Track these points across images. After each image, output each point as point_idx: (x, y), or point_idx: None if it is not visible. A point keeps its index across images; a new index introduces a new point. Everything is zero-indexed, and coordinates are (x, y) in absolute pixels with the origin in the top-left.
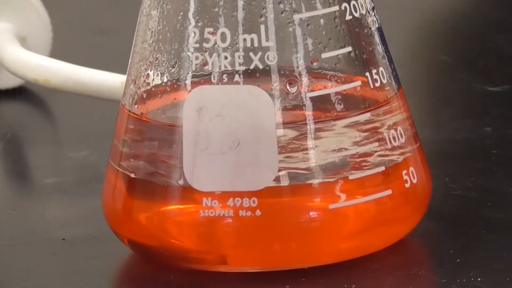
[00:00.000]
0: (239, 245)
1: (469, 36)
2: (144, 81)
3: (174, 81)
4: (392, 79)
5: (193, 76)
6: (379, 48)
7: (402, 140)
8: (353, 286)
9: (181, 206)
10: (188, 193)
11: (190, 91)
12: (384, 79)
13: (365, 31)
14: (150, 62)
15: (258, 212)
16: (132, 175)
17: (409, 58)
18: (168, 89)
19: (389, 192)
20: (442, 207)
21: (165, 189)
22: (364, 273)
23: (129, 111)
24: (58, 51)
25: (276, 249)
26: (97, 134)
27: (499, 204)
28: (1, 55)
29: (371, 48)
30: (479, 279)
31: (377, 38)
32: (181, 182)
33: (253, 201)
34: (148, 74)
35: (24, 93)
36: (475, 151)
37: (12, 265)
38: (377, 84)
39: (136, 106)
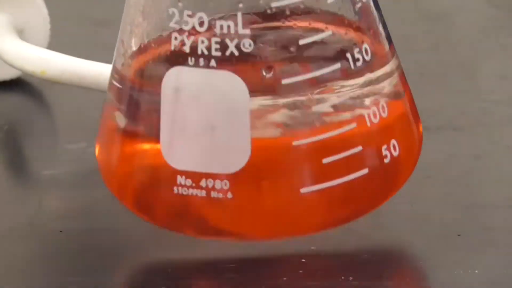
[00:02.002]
0: (209, 224)
1: None
2: (130, 48)
3: (156, 57)
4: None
5: (172, 56)
6: (370, 19)
7: (384, 114)
8: (350, 278)
9: (158, 179)
10: (164, 167)
11: (167, 70)
12: (367, 56)
13: (348, 12)
14: (134, 34)
15: (229, 195)
16: (121, 125)
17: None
18: (150, 66)
19: (365, 171)
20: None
21: (146, 156)
22: (361, 265)
23: (117, 72)
24: (55, 43)
25: (244, 231)
26: (95, 125)
27: None
28: None
29: (354, 26)
30: (469, 271)
31: (361, 17)
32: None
33: (225, 184)
34: (131, 45)
35: (21, 85)
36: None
37: (9, 257)
38: (359, 64)
39: (122, 70)
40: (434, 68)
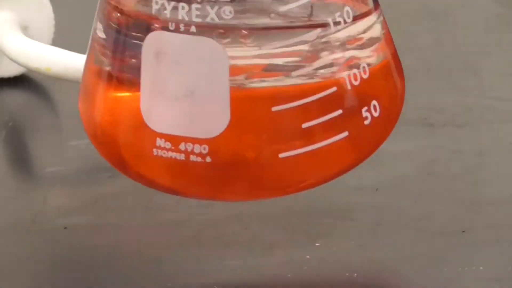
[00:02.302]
0: (188, 187)
1: None
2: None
3: (138, 19)
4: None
5: (153, 19)
6: None
7: (365, 76)
8: (355, 274)
9: (137, 137)
10: (144, 128)
11: (148, 33)
12: (349, 18)
13: None
14: None
15: (208, 159)
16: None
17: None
18: (132, 26)
19: (344, 134)
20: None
21: (127, 113)
22: (364, 262)
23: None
24: (60, 40)
25: (223, 196)
26: None
27: None
28: (3, 44)
29: None
30: (474, 268)
31: None
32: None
33: (204, 148)
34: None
35: (26, 82)
36: None
37: (14, 253)
38: (340, 27)
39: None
40: (438, 65)
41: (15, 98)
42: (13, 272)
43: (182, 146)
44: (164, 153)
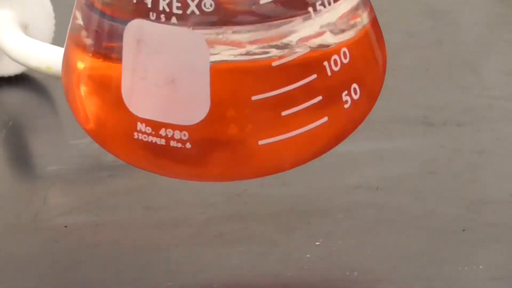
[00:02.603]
0: (167, 170)
1: None
2: None
3: (122, 4)
4: None
5: (135, 7)
6: None
7: (346, 60)
8: (355, 273)
9: (119, 120)
10: (126, 111)
11: (130, 20)
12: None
13: None
14: None
15: (188, 145)
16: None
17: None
18: (116, 10)
19: (324, 119)
20: None
21: (109, 92)
22: (365, 261)
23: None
24: (60, 38)
25: (201, 178)
26: None
27: None
28: (3, 43)
29: None
30: (474, 267)
31: None
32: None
33: (184, 135)
34: None
35: (26, 80)
36: None
37: (14, 252)
38: (318, 12)
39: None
40: (439, 64)
41: (15, 97)
42: (13, 271)
43: (162, 132)
44: (144, 137)
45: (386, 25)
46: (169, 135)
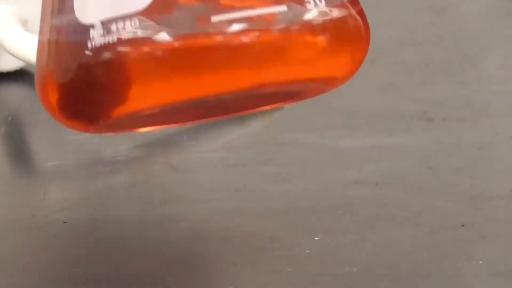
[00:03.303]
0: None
1: None
2: None
3: None
4: None
5: None
6: None
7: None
8: (355, 269)
9: (73, 40)
10: (77, 25)
11: None
12: None
13: None
14: None
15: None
16: None
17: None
18: None
19: (283, 8)
20: None
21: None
22: (365, 257)
23: None
24: None
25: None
26: None
27: None
28: (2, 38)
29: None
30: (473, 262)
31: None
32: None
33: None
34: None
35: (25, 76)
36: None
37: (13, 248)
38: None
39: None
40: (438, 59)
41: (14, 92)
42: (12, 266)
43: (113, 27)
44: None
45: (386, 21)
46: (120, 28)
